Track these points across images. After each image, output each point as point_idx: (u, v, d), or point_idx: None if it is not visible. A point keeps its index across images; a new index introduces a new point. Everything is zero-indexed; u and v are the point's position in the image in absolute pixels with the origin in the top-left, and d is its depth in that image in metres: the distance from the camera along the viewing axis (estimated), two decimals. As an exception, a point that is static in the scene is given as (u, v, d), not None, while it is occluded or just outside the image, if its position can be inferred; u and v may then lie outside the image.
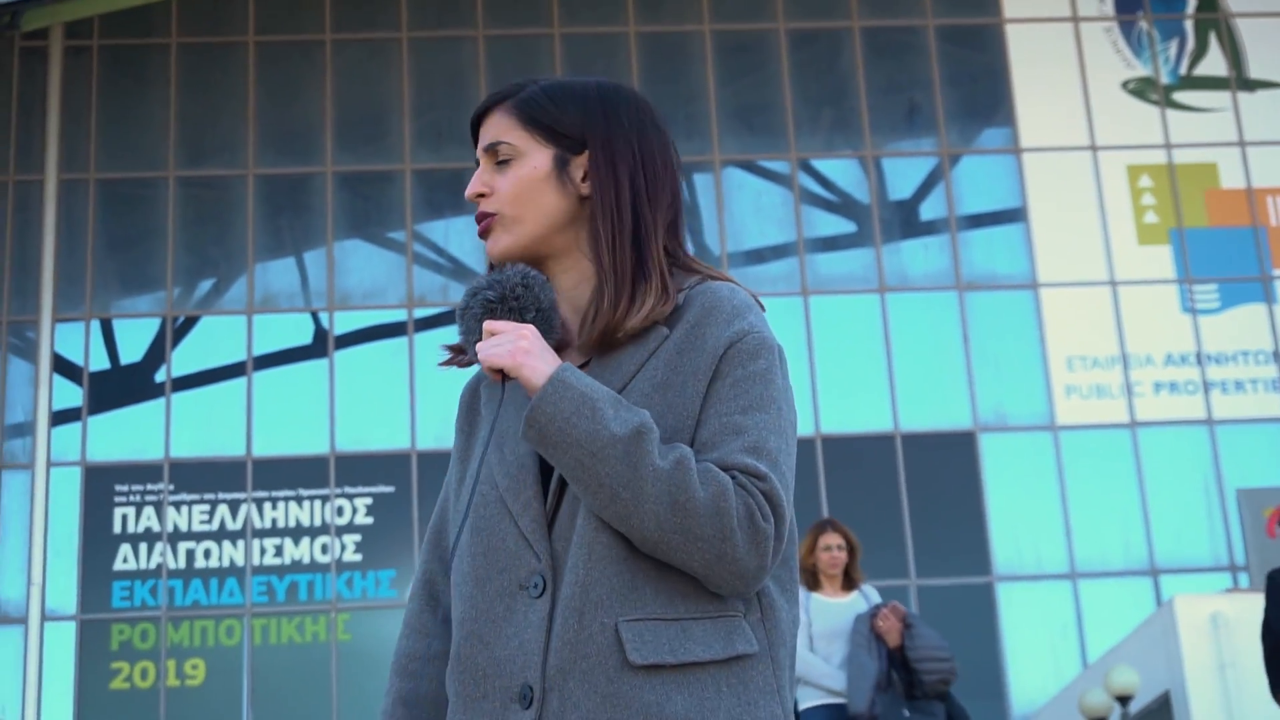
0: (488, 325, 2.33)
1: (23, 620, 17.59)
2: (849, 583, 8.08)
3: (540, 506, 2.34)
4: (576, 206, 2.46)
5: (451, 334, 2.48)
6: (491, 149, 2.47)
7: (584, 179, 2.47)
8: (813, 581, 8.00)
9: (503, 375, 2.37)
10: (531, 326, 2.33)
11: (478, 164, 2.50)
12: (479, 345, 2.32)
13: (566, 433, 2.24)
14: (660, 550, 2.27)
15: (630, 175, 2.49)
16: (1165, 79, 20.49)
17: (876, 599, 7.99)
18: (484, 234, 2.46)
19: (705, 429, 2.32)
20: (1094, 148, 20.03)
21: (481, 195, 2.47)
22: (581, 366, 2.38)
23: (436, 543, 2.58)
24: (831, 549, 7.98)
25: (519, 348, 2.28)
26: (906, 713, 7.64)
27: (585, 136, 2.49)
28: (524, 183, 2.45)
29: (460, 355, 2.46)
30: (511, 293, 2.35)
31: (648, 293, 2.40)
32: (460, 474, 2.54)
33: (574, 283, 2.42)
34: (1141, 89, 20.48)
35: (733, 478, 2.27)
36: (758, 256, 19.47)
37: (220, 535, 17.88)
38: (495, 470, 2.40)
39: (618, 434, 2.23)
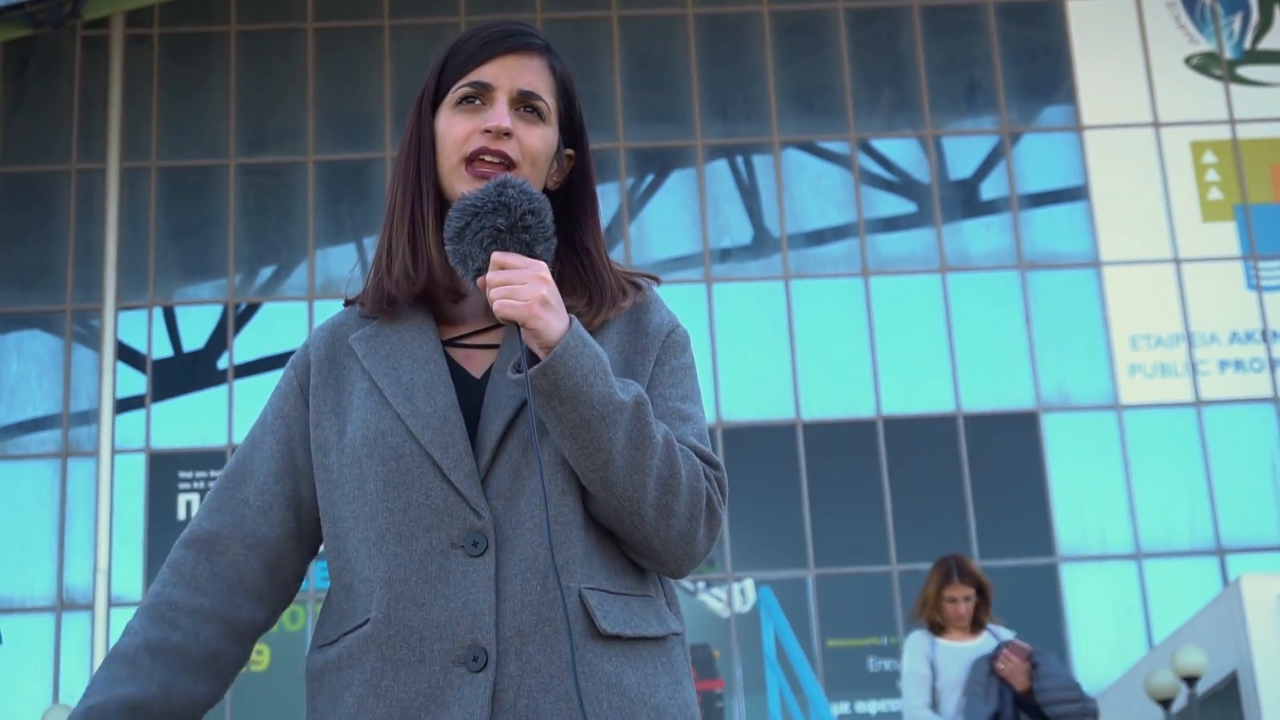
0: (496, 258, 2.20)
1: (89, 606, 17.72)
2: (976, 624, 7.39)
3: (472, 462, 2.26)
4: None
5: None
6: (529, 96, 2.37)
7: (558, 173, 2.45)
8: (936, 627, 7.36)
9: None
10: (544, 265, 2.22)
11: (475, 88, 2.35)
12: (493, 291, 2.19)
13: (583, 390, 2.17)
14: (629, 521, 2.23)
15: (594, 182, 2.49)
16: (1229, 53, 20.28)
17: (1007, 636, 7.30)
18: (487, 176, 2.30)
19: (653, 410, 2.31)
20: (1157, 124, 19.86)
21: (507, 134, 2.35)
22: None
23: (232, 494, 2.40)
24: (958, 602, 7.29)
25: (536, 297, 2.17)
26: None
27: (578, 136, 2.47)
28: (547, 150, 2.38)
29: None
30: (521, 221, 2.21)
31: (620, 290, 2.39)
32: (336, 426, 2.37)
33: None
34: (1205, 64, 20.28)
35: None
36: (818, 238, 19.40)
37: (284, 521, 17.99)
38: (410, 422, 2.28)
39: (625, 400, 2.19)
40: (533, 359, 2.21)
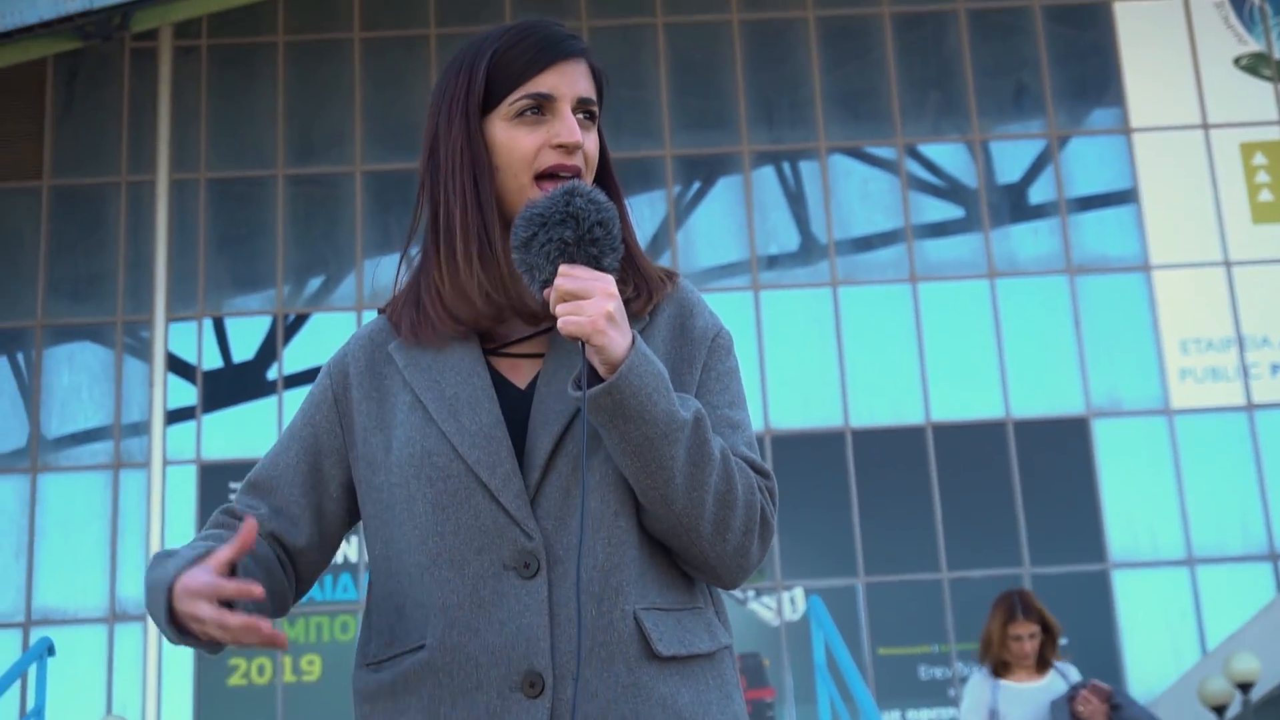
0: (564, 270, 2.16)
1: (141, 618, 17.81)
2: (1042, 662, 7.16)
3: (520, 481, 2.23)
4: None
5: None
6: (587, 103, 2.37)
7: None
8: (1001, 667, 7.18)
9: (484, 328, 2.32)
10: (611, 279, 2.18)
11: (537, 102, 2.33)
12: (559, 307, 2.16)
13: (647, 409, 2.15)
14: (686, 536, 2.23)
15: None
16: (1279, 54, 20.16)
17: (1075, 677, 7.11)
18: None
19: None
20: (1206, 126, 19.76)
21: (579, 147, 2.34)
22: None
23: (260, 499, 2.39)
24: (1023, 639, 7.06)
25: (602, 313, 2.13)
26: None
27: (600, 128, 2.47)
28: (597, 153, 2.40)
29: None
30: (590, 233, 2.17)
31: (653, 281, 2.38)
32: (383, 443, 2.34)
33: None
34: (1254, 65, 20.16)
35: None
36: (865, 244, 19.35)
37: (334, 530, 18.02)
38: (456, 440, 2.25)
39: (685, 418, 2.18)
40: (593, 374, 2.19)
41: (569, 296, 2.14)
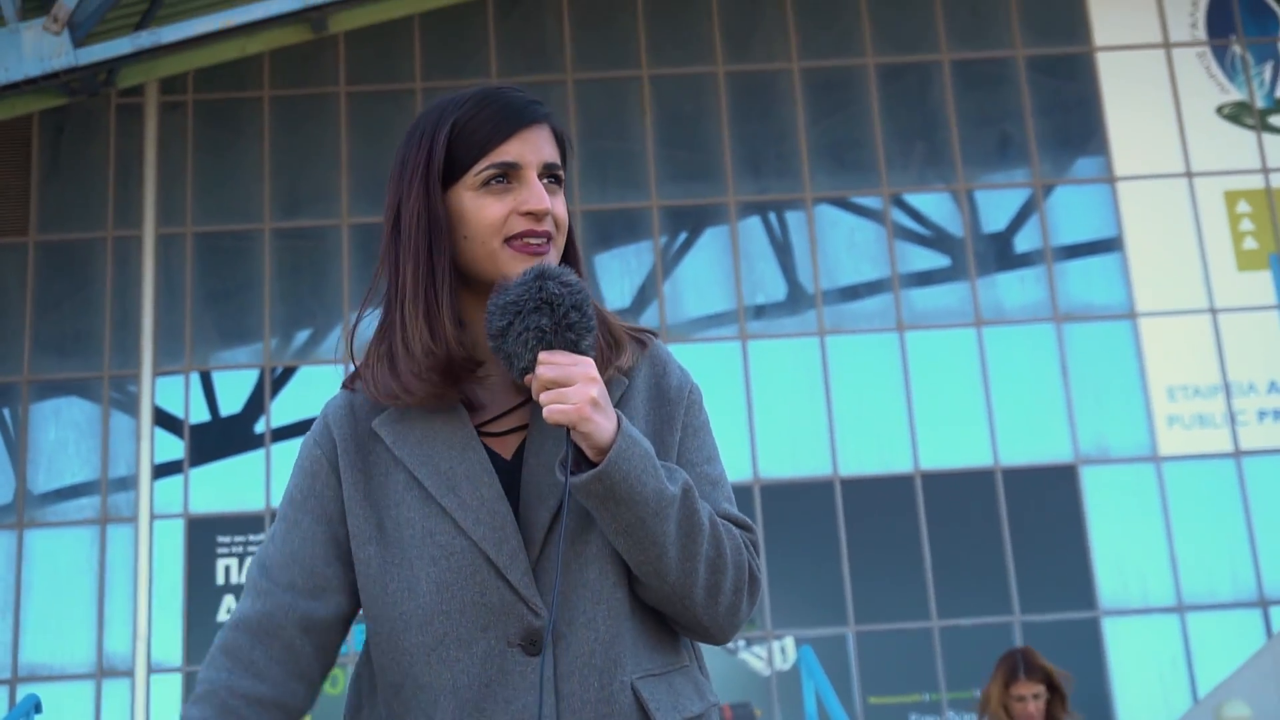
0: (543, 358, 2.17)
1: (129, 673, 17.72)
2: None
3: (526, 558, 2.23)
4: None
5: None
6: (553, 168, 2.37)
7: None
8: None
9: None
10: (592, 362, 2.19)
11: (503, 170, 2.33)
12: (542, 396, 2.16)
13: (637, 491, 2.15)
14: (680, 604, 2.24)
15: None
16: (1260, 102, 20.26)
17: None
18: (539, 251, 2.31)
19: None
20: (1189, 174, 19.83)
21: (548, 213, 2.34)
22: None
23: (277, 578, 2.34)
24: (1027, 700, 6.69)
25: (586, 400, 2.14)
26: None
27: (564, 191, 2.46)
28: (566, 215, 2.40)
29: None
30: (566, 319, 2.18)
31: (622, 342, 2.38)
32: (374, 518, 2.32)
33: None
34: (1236, 113, 20.25)
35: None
36: (852, 293, 19.37)
37: (322, 584, 17.94)
38: (458, 516, 2.25)
39: (674, 493, 2.18)
40: (578, 455, 2.19)
41: (551, 385, 2.15)
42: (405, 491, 2.30)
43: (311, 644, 2.34)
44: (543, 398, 2.16)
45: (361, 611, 2.36)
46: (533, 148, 2.35)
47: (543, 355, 2.17)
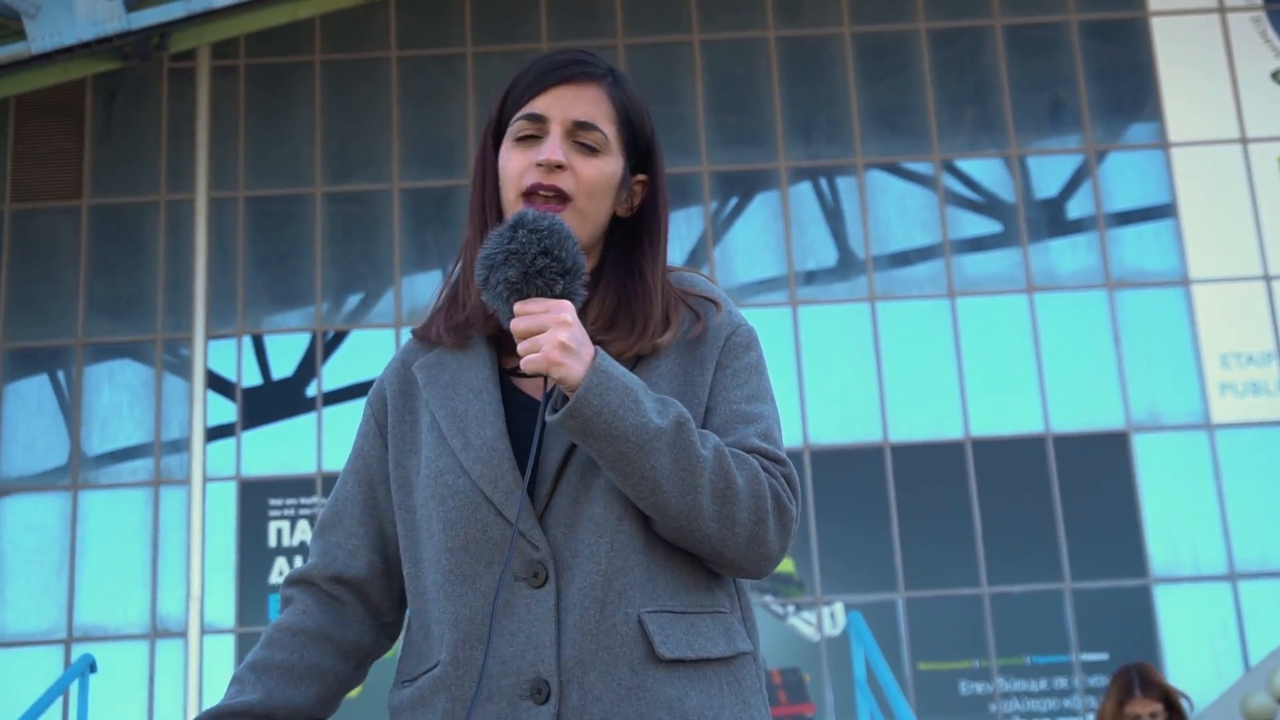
0: (517, 308, 2.22)
1: (183, 634, 17.85)
2: None
3: (524, 493, 2.26)
4: (609, 222, 2.43)
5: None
6: (585, 127, 2.38)
7: (629, 200, 2.45)
8: None
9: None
10: (566, 305, 2.23)
11: (529, 121, 2.38)
12: (519, 346, 2.23)
13: (613, 425, 2.19)
14: (693, 537, 2.26)
15: (667, 207, 2.50)
16: (1316, 68, 20.13)
17: None
18: (543, 206, 2.34)
19: (716, 416, 2.35)
20: (1244, 140, 19.70)
21: (560, 167, 2.38)
22: None
23: (325, 538, 2.49)
24: (1143, 719, 6.30)
25: (554, 344, 2.19)
26: None
27: (649, 160, 2.47)
28: (606, 181, 2.41)
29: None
30: (533, 265, 2.21)
31: (674, 320, 2.41)
32: (415, 465, 2.41)
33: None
34: (1292, 79, 20.13)
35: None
36: (903, 259, 19.33)
37: (373, 547, 18.00)
38: (462, 457, 2.31)
39: (662, 426, 2.21)
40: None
41: (525, 335, 2.21)
42: (428, 433, 2.39)
43: (351, 594, 2.47)
44: (520, 348, 2.23)
45: None
46: (564, 104, 2.38)
47: (517, 306, 2.23)
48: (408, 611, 2.47)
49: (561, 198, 2.36)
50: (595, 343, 2.31)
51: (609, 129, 2.41)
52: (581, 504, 2.27)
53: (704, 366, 2.38)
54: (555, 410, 2.24)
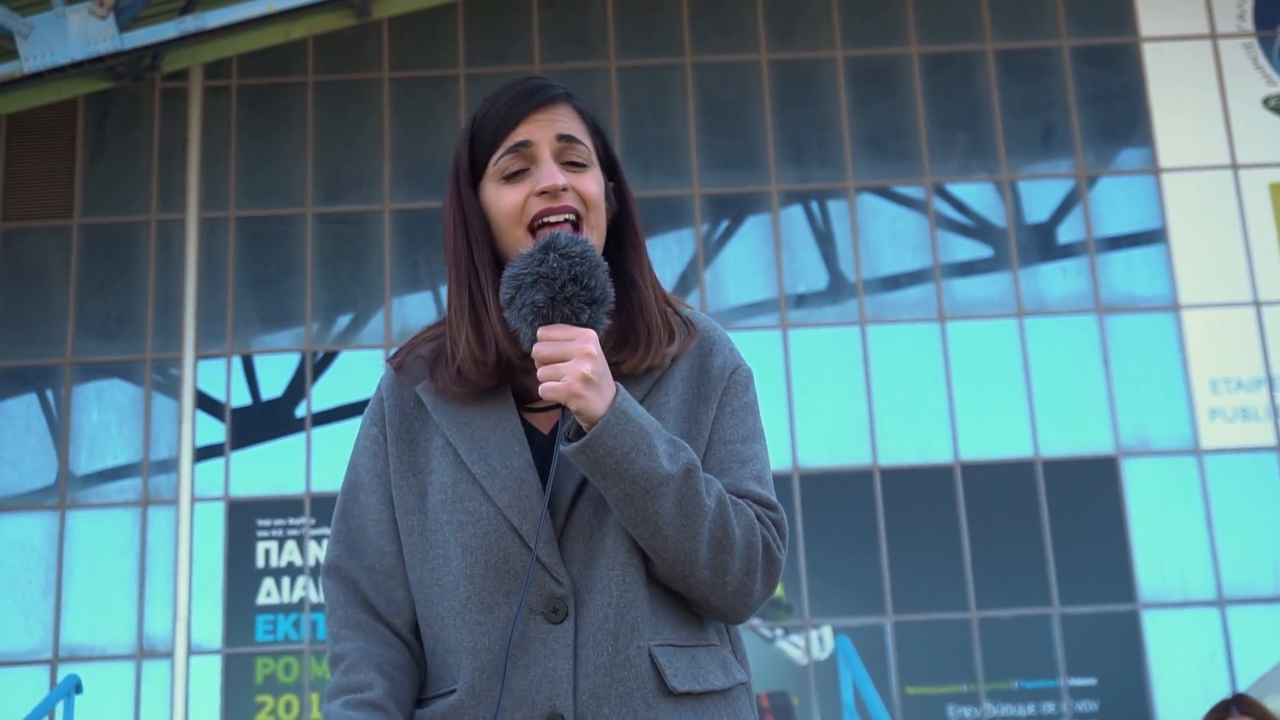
0: (541, 334, 2.22)
1: (169, 654, 17.82)
2: None
3: (551, 527, 2.27)
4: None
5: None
6: (572, 141, 2.39)
7: (611, 208, 2.46)
8: None
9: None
10: (591, 335, 2.22)
11: (515, 151, 2.37)
12: (539, 371, 2.22)
13: (623, 466, 2.19)
14: (684, 581, 2.27)
15: (637, 207, 2.51)
16: (1307, 95, 20.16)
17: None
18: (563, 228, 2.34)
19: (713, 454, 2.35)
20: (1235, 166, 19.72)
21: (564, 189, 2.37)
22: None
23: (360, 560, 2.40)
24: None
25: (577, 376, 2.18)
26: None
27: (614, 165, 2.48)
28: (601, 190, 2.42)
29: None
30: (562, 291, 2.21)
31: (675, 327, 2.42)
32: (416, 487, 2.38)
33: None
34: (1283, 105, 20.16)
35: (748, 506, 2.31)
36: (894, 283, 19.34)
37: (361, 568, 17.96)
38: (486, 484, 2.29)
39: (671, 472, 2.22)
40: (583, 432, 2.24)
41: (546, 361, 2.20)
42: (441, 456, 2.36)
43: (406, 626, 2.41)
44: (539, 374, 2.21)
45: None
46: (544, 125, 2.38)
47: (540, 331, 2.22)
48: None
49: (576, 218, 2.36)
50: (610, 362, 2.31)
51: (588, 142, 2.43)
52: (595, 538, 2.28)
53: (708, 404, 2.39)
54: (570, 440, 2.24)
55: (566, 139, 2.39)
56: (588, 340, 2.21)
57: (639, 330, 2.38)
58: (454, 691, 2.28)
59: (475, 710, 2.24)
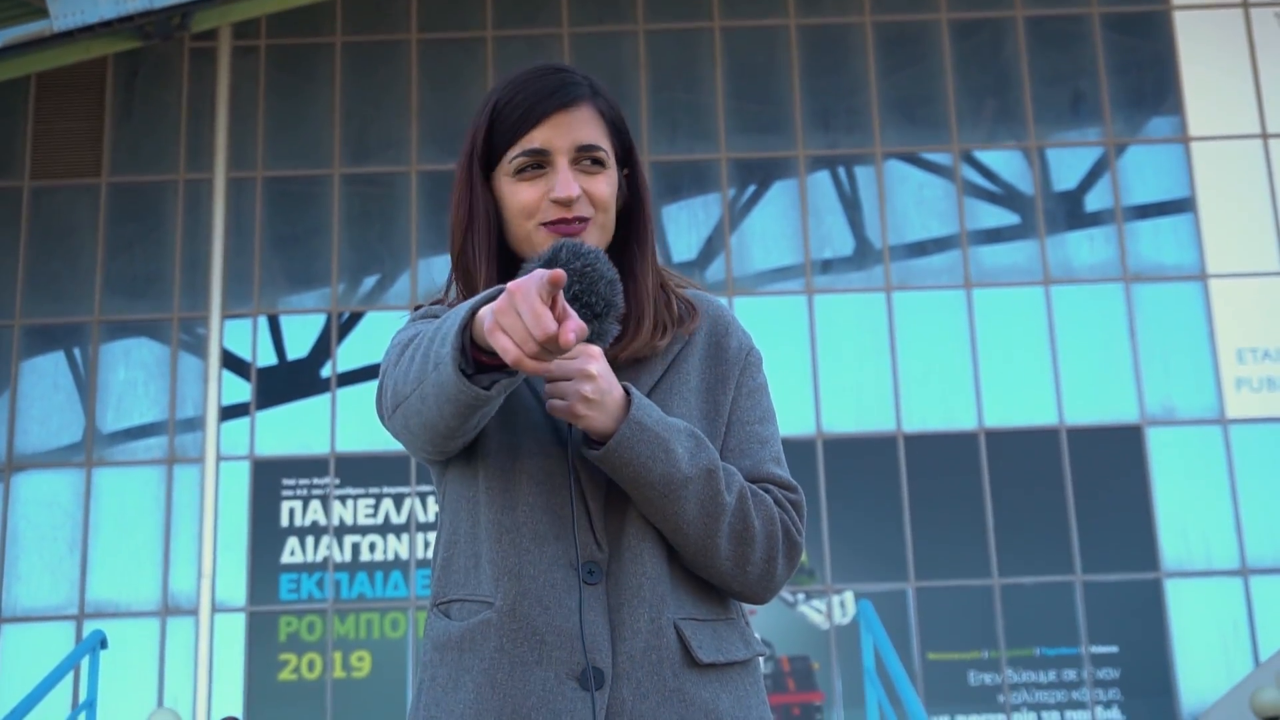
0: None
1: (194, 612, 17.90)
2: None
3: (603, 494, 2.33)
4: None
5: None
6: (590, 149, 2.39)
7: (622, 197, 2.47)
8: None
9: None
10: (594, 354, 2.24)
11: (531, 156, 2.37)
12: (545, 388, 2.26)
13: (641, 475, 2.25)
14: (706, 570, 2.34)
15: (650, 195, 2.52)
16: (1339, 64, 20.05)
17: None
18: (572, 234, 2.36)
19: (732, 436, 2.40)
20: (1265, 135, 19.64)
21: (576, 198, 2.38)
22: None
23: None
24: None
25: (578, 398, 2.22)
26: None
27: (629, 154, 2.49)
28: (613, 190, 2.44)
29: None
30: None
31: (675, 312, 2.45)
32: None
33: None
34: (1314, 75, 20.06)
35: (767, 490, 2.37)
36: (920, 249, 19.30)
37: (385, 529, 18.07)
38: (550, 442, 2.34)
39: (690, 475, 2.27)
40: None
41: (549, 380, 2.23)
42: (526, 397, 2.40)
43: None
44: (545, 389, 2.27)
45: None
46: (563, 131, 2.39)
47: None
48: (445, 534, 2.43)
49: (583, 221, 2.38)
50: (609, 356, 2.34)
51: (606, 144, 2.43)
52: (626, 511, 2.32)
53: (726, 386, 2.44)
54: (590, 446, 2.29)
55: (585, 147, 2.39)
56: (590, 359, 2.23)
57: (628, 323, 2.41)
58: (491, 605, 2.30)
59: (514, 633, 2.26)
